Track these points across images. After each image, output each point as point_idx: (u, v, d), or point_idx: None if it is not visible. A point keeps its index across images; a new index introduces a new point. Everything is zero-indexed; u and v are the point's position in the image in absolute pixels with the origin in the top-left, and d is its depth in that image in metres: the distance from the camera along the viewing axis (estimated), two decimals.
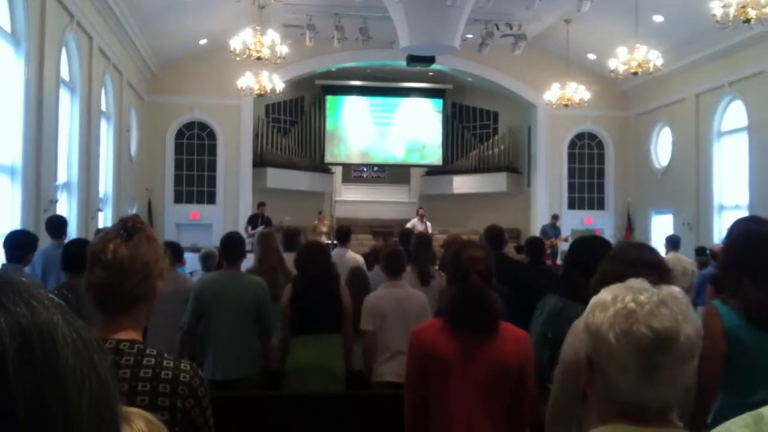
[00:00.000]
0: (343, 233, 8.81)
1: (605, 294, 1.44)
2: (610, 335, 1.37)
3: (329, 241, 14.15)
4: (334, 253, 7.88)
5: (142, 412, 1.31)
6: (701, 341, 1.40)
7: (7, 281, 0.67)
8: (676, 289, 1.42)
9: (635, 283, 1.44)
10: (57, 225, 7.52)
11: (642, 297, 1.39)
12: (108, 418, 0.67)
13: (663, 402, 1.39)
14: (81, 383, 0.65)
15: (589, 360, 1.44)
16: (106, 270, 2.02)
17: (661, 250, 10.84)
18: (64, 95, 11.77)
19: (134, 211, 16.88)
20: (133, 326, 2.08)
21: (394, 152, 23.77)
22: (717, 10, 10.35)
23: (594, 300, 1.45)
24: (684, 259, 10.44)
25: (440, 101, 23.82)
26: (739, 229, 3.10)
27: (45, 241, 7.91)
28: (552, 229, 17.48)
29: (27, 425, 0.60)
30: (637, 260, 2.60)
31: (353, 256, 8.39)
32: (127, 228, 2.06)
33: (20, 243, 6.19)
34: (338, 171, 24.67)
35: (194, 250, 13.09)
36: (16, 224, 9.05)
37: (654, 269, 2.46)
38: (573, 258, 3.83)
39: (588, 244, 3.69)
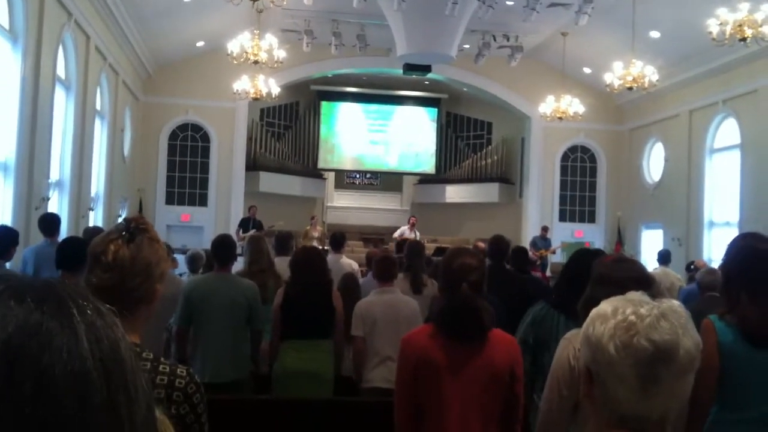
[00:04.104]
0: (338, 240, 8.84)
1: (606, 306, 1.45)
2: (610, 347, 1.38)
3: (321, 247, 14.14)
4: (329, 259, 7.87)
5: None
6: (700, 355, 1.42)
7: (75, 291, 0.72)
8: (676, 303, 1.44)
9: (635, 296, 1.45)
10: (50, 223, 7.47)
11: (642, 310, 1.40)
12: (152, 422, 0.73)
13: (661, 414, 1.40)
14: (138, 384, 0.71)
15: (587, 371, 1.45)
16: (107, 271, 1.98)
17: (654, 264, 10.96)
18: (60, 93, 11.73)
19: (125, 212, 16.83)
20: (132, 329, 2.01)
21: (387, 159, 23.78)
22: (713, 27, 10.42)
23: (594, 312, 1.46)
24: (672, 274, 10.48)
25: (435, 110, 23.84)
26: (739, 245, 3.09)
27: (37, 239, 7.89)
28: (542, 240, 17.53)
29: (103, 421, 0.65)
30: (625, 279, 2.55)
31: (348, 262, 8.39)
32: (130, 229, 2.02)
33: (1, 239, 6.15)
34: (331, 177, 24.66)
35: (183, 252, 13.06)
36: (6, 220, 9.02)
37: (643, 285, 2.47)
38: (566, 270, 3.86)
39: (583, 258, 3.63)
